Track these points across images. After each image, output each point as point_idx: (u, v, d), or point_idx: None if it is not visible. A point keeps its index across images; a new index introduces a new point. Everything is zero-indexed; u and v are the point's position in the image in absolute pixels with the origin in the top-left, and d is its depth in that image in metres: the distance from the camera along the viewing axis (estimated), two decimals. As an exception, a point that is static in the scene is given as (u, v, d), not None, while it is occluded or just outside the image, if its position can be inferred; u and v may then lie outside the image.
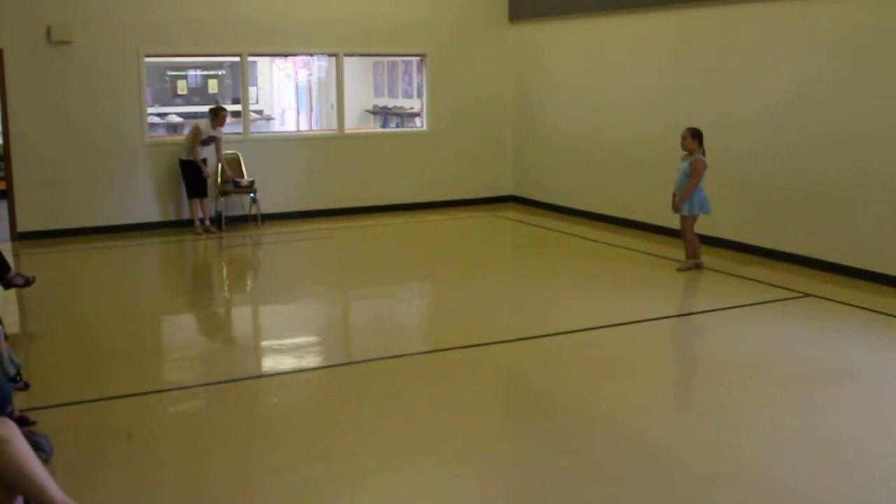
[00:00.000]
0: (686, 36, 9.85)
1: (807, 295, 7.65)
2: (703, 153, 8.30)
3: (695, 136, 8.26)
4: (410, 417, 5.12)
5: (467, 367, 6.02)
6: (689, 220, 8.42)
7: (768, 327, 6.86)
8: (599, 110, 11.24)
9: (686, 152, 8.33)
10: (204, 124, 10.79)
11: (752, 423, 5.05)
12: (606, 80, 11.09)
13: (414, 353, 6.35)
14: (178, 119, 15.98)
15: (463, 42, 12.45)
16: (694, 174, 8.19)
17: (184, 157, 10.74)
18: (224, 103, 14.24)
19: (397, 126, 15.67)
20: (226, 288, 9.21)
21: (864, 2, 7.96)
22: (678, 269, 8.51)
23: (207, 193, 10.93)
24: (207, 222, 10.93)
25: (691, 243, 8.50)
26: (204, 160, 10.82)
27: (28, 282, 7.18)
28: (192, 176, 10.76)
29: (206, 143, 10.80)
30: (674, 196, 8.45)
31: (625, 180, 10.90)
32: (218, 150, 10.94)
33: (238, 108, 13.41)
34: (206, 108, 11.38)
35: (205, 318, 7.74)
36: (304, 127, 17.32)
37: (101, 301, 8.04)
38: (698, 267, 8.50)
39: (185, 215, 11.12)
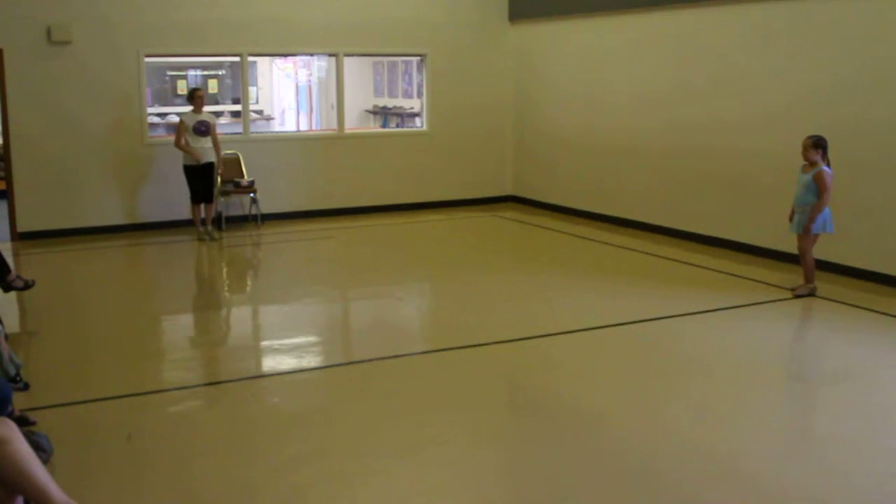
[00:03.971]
0: (686, 36, 9.85)
1: (807, 295, 7.65)
2: (829, 163, 7.42)
3: (816, 145, 7.37)
4: (410, 417, 5.12)
5: (467, 367, 6.03)
6: (809, 240, 7.54)
7: (768, 327, 6.85)
8: (599, 110, 11.24)
9: (807, 163, 7.47)
10: (187, 116, 10.44)
11: (751, 423, 5.05)
12: (606, 80, 11.09)
13: (414, 353, 6.35)
14: (177, 119, 15.92)
15: (463, 42, 12.45)
16: (822, 188, 7.31)
17: (187, 163, 10.35)
18: (224, 103, 14.20)
19: (397, 126, 15.67)
20: (226, 288, 9.20)
21: (864, 1, 7.96)
22: (794, 295, 7.59)
23: (213, 199, 10.54)
24: (210, 226, 10.55)
25: (809, 265, 7.59)
26: (211, 164, 10.42)
27: (28, 285, 7.16)
28: (197, 181, 10.38)
29: (201, 132, 10.35)
30: (793, 211, 7.63)
31: (624, 180, 10.90)
32: (214, 140, 10.50)
33: (238, 108, 13.40)
34: (207, 109, 11.25)
35: (205, 318, 7.73)
36: (304, 127, 17.32)
37: (101, 301, 8.04)
38: (812, 293, 7.60)
39: (186, 215, 11.10)
